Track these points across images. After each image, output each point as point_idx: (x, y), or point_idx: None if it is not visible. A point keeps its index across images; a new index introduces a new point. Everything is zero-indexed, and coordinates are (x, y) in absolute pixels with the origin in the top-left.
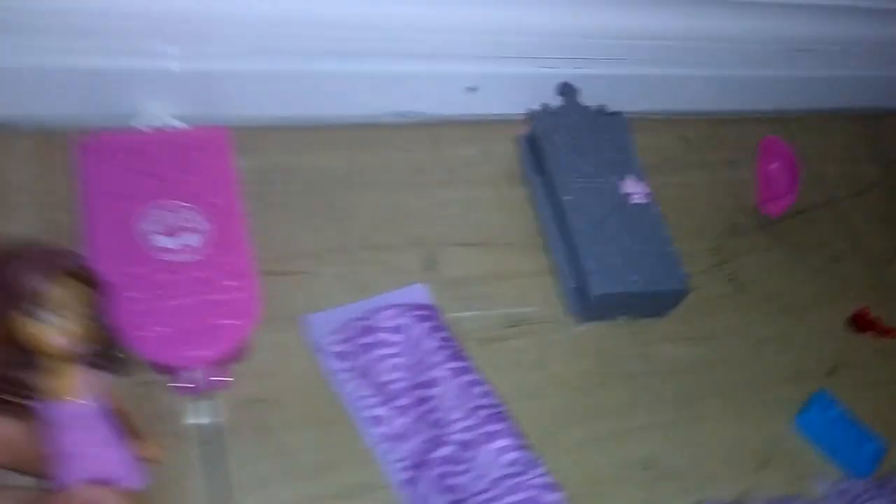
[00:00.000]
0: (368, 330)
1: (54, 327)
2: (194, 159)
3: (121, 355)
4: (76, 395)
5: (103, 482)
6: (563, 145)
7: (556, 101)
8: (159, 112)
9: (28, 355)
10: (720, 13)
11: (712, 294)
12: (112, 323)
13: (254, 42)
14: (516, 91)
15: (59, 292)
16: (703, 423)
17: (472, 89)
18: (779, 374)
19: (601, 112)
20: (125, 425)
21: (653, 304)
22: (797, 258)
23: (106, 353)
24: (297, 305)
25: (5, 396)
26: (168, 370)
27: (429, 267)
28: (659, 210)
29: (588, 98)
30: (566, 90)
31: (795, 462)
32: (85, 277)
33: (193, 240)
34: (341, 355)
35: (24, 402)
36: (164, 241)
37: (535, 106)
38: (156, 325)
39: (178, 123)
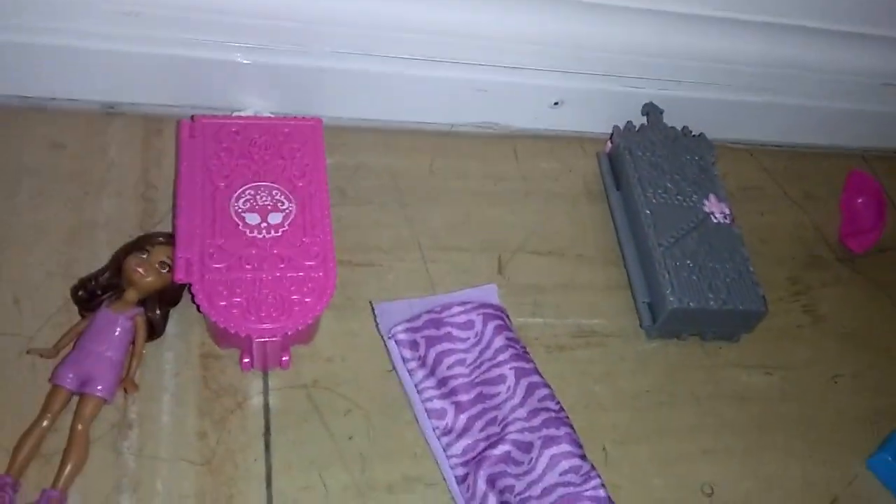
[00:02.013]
0: (438, 323)
1: (139, 268)
2: (287, 145)
3: (163, 319)
4: (121, 312)
5: (85, 377)
6: (645, 161)
7: (639, 121)
8: (256, 104)
9: (118, 281)
10: (810, 42)
11: (788, 324)
12: (176, 291)
13: (350, 42)
14: (600, 108)
15: (152, 251)
16: (771, 455)
17: (557, 104)
18: (853, 411)
19: (685, 133)
20: (130, 360)
21: (727, 324)
22: (878, 295)
23: (162, 307)
24: (367, 296)
25: (90, 298)
26: (238, 343)
27: (499, 272)
28: (740, 231)
29: (670, 121)
30: (650, 109)
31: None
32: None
33: (279, 219)
34: (409, 345)
35: (96, 303)
36: (251, 218)
37: (619, 124)
38: (233, 296)
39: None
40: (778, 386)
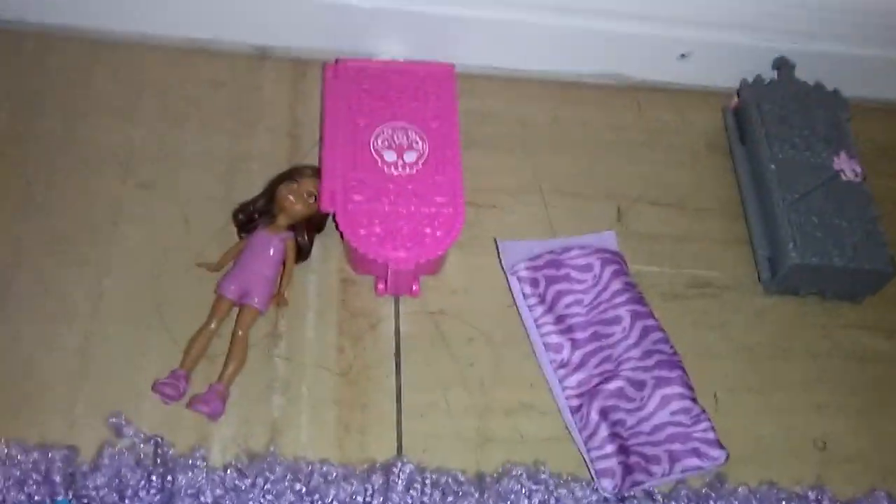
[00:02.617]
0: (558, 264)
1: (290, 196)
2: (422, 88)
3: (310, 243)
4: (275, 234)
5: (245, 290)
6: (772, 116)
7: (769, 76)
8: (392, 50)
9: (271, 207)
10: None
11: None
12: (322, 218)
13: None
14: (728, 62)
15: (301, 182)
16: (888, 415)
17: (684, 56)
18: None
19: (818, 88)
20: (281, 278)
21: (850, 284)
22: None
23: (309, 232)
24: (491, 235)
25: (248, 221)
26: (374, 269)
27: (618, 220)
28: (869, 190)
29: (802, 76)
30: (781, 63)
31: None
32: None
33: (413, 158)
34: (530, 282)
35: (253, 226)
36: (389, 156)
37: (747, 77)
38: (371, 225)
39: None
40: None
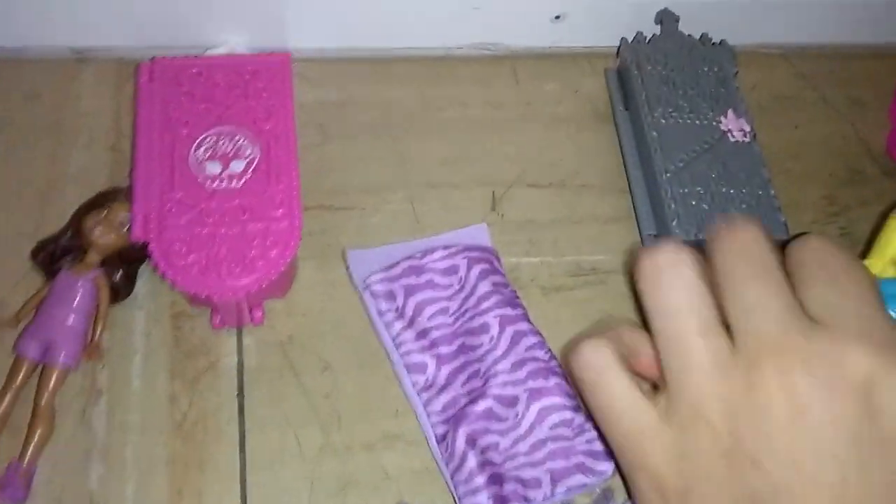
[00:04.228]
0: (418, 270)
1: (98, 228)
2: (253, 85)
3: (128, 280)
4: (80, 275)
5: (48, 346)
6: (655, 77)
7: (653, 31)
8: (231, 40)
9: (79, 242)
10: None
11: None
12: (137, 250)
13: None
14: (608, 19)
15: (111, 209)
16: None
17: (559, 18)
18: None
19: (703, 41)
20: (95, 324)
21: None
22: None
23: (125, 266)
24: (348, 242)
25: (51, 261)
26: (204, 302)
27: (493, 208)
28: (760, 150)
29: (690, 27)
30: (664, 16)
31: None
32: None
33: (241, 167)
34: (385, 295)
35: (57, 267)
36: (212, 168)
37: (629, 35)
38: (192, 254)
39: (245, 53)
40: None
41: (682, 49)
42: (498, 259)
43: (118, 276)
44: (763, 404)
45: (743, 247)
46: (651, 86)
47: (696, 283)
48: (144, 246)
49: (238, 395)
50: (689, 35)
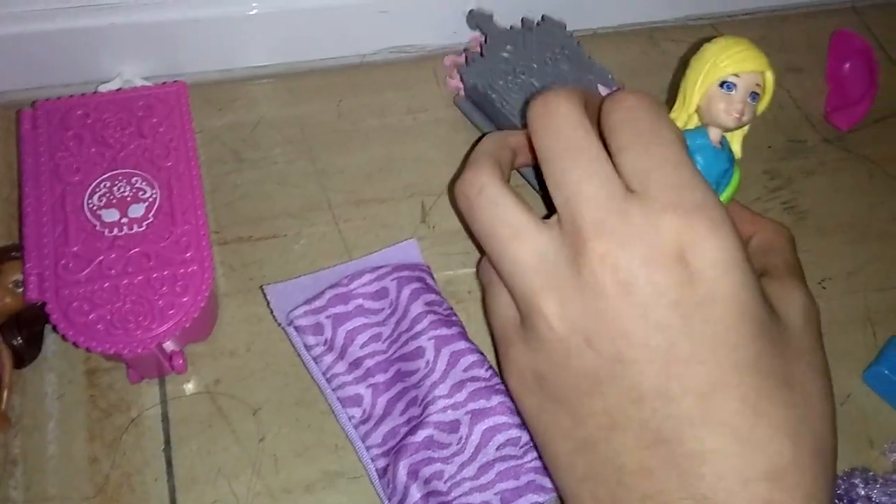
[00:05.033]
0: (345, 297)
1: None
2: (147, 120)
3: (31, 343)
4: None
5: None
6: (504, 89)
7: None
8: (125, 73)
9: None
10: None
11: None
12: (36, 311)
13: None
14: (525, 7)
15: (3, 269)
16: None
17: (473, 12)
18: (846, 318)
19: (528, 27)
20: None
21: None
22: (872, 176)
23: (27, 329)
24: (272, 273)
25: None
26: (117, 357)
27: (423, 220)
28: None
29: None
30: (479, 19)
31: (862, 424)
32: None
33: (141, 211)
34: (311, 329)
35: None
36: (109, 215)
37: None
38: (94, 310)
39: (144, 83)
40: None
41: (516, 45)
42: (431, 275)
43: (19, 340)
44: (591, 286)
45: (554, 124)
46: (506, 99)
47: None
48: (43, 306)
49: (164, 449)
50: (510, 27)
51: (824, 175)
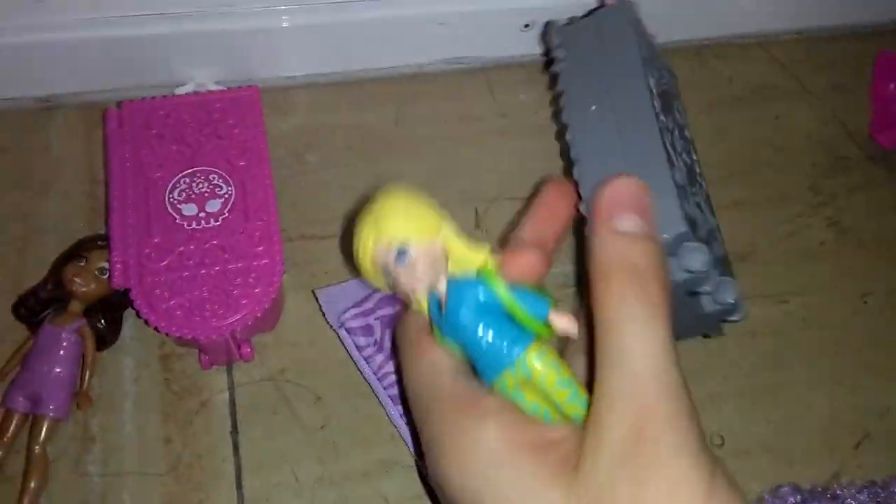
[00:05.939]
0: (391, 300)
1: (78, 278)
2: (223, 122)
3: (113, 327)
4: (63, 326)
5: (36, 398)
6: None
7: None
8: (198, 77)
9: (60, 293)
10: None
11: (808, 242)
12: (119, 297)
13: None
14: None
15: (89, 257)
16: (790, 393)
17: (528, 26)
18: (886, 334)
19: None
20: (82, 373)
21: None
22: None
23: (109, 314)
24: (334, 271)
25: (32, 314)
26: (191, 343)
27: (476, 225)
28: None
29: (656, 21)
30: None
31: None
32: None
33: (217, 206)
34: (362, 331)
35: (39, 320)
36: (188, 210)
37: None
38: (174, 297)
39: (217, 88)
40: (797, 314)
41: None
42: None
43: (102, 323)
44: None
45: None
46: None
47: None
48: (126, 292)
49: (232, 432)
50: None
51: (867, 192)
